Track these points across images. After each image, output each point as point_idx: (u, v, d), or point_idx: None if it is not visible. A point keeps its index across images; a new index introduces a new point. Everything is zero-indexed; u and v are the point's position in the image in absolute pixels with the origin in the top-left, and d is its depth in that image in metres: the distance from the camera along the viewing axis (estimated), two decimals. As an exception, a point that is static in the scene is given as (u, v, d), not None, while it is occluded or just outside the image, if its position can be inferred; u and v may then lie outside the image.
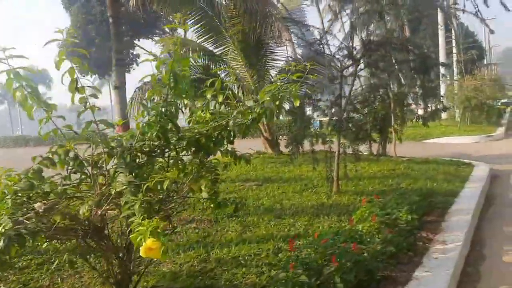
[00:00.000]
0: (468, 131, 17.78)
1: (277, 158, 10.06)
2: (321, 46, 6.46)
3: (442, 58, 22.59)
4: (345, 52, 6.17)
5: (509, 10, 10.05)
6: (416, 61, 7.55)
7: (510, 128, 20.66)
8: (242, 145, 3.48)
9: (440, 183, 7.37)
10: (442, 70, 23.24)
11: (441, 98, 10.14)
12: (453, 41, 23.30)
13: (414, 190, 6.75)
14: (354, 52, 6.14)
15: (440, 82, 24.80)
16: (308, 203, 6.06)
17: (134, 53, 27.77)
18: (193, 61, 10.38)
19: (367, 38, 6.15)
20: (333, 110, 6.18)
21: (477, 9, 9.94)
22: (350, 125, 5.96)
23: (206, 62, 11.04)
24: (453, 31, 23.27)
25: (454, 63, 23.49)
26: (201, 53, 10.99)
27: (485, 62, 42.12)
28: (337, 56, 6.51)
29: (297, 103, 3.27)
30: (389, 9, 6.76)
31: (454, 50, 23.39)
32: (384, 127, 11.32)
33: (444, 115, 23.26)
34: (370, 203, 5.11)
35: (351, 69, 6.86)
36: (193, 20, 10.82)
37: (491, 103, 20.36)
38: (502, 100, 33.90)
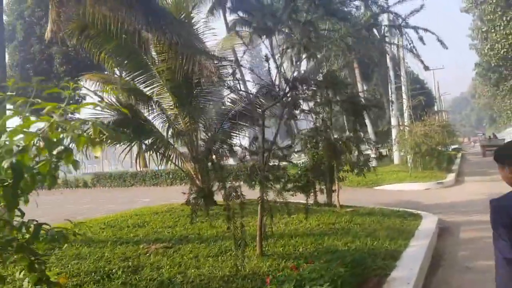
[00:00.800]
0: (419, 178, 17.37)
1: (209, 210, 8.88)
2: (235, 82, 5.59)
3: (392, 98, 22.71)
4: (265, 90, 5.33)
5: (447, 48, 9.77)
6: (345, 102, 6.83)
7: (461, 174, 20.54)
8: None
9: (382, 241, 6.42)
10: (393, 114, 23.39)
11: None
12: (403, 87, 23.60)
13: (351, 251, 5.77)
14: (277, 90, 5.28)
15: (391, 127, 24.90)
16: (220, 272, 4.89)
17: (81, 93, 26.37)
18: (115, 102, 9.28)
19: (292, 75, 5.35)
20: (247, 157, 5.21)
21: (412, 45, 9.59)
22: (269, 175, 4.94)
23: (135, 102, 9.98)
24: (402, 78, 23.63)
25: (405, 109, 23.69)
26: (131, 93, 9.96)
27: (435, 109, 43.52)
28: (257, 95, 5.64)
29: (98, 152, 2.27)
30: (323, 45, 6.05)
31: (404, 96, 23.65)
32: (328, 174, 10.53)
33: (396, 160, 23.05)
34: (283, 277, 4.02)
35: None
36: (119, 58, 9.86)
37: (441, 149, 20.29)
38: (453, 146, 34.65)
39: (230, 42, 10.39)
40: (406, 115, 23.80)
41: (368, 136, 25.82)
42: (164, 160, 9.33)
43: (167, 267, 4.97)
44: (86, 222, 7.05)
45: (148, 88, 10.02)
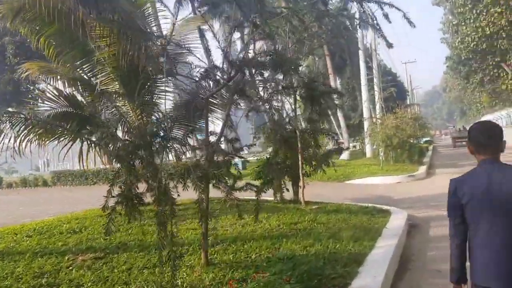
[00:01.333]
0: (391, 171, 16.97)
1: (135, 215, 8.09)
2: (192, 68, 4.83)
3: (364, 95, 22.32)
4: (207, 73, 4.57)
5: (414, 26, 9.24)
6: (301, 88, 6.12)
7: (432, 166, 20.32)
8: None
9: (346, 243, 5.78)
10: (365, 106, 23.00)
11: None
12: (374, 78, 23.21)
13: (309, 257, 5.10)
14: (220, 74, 4.53)
15: (363, 119, 24.55)
16: (153, 287, 4.13)
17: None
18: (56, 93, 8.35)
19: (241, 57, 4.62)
20: (188, 152, 4.46)
21: (375, 21, 9.00)
22: (215, 171, 4.20)
23: (81, 93, 9.03)
24: (373, 70, 23.23)
25: (376, 100, 23.31)
26: (75, 83, 9.00)
27: (408, 102, 43.66)
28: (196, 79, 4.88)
29: None
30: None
31: (376, 88, 23.26)
32: (293, 170, 9.88)
33: (368, 154, 22.69)
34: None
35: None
36: (61, 44, 8.88)
37: (412, 142, 19.99)
38: (425, 139, 34.75)
39: (186, 28, 9.54)
40: (378, 107, 23.45)
41: (341, 128, 25.48)
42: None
43: (89, 284, 4.17)
44: (10, 229, 6.15)
45: (95, 78, 9.08)
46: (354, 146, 32.92)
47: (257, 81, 4.94)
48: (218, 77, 4.63)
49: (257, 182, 9.84)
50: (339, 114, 24.21)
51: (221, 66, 4.90)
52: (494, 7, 30.83)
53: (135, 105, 8.77)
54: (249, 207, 8.76)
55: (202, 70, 4.69)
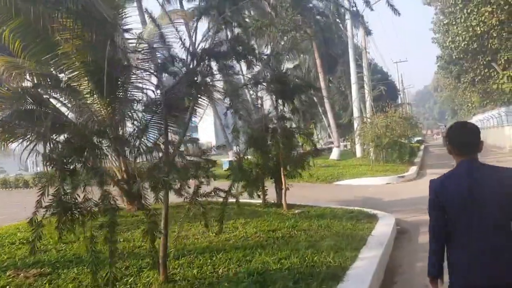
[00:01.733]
0: (381, 171, 16.48)
1: (130, 217, 7.47)
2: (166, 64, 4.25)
3: (354, 93, 21.81)
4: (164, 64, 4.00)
5: (399, 14, 8.69)
6: (274, 82, 5.55)
7: (423, 167, 19.87)
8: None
9: (326, 254, 5.21)
10: (354, 105, 22.51)
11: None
12: (364, 77, 22.70)
13: (283, 272, 4.53)
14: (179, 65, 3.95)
15: (353, 119, 24.07)
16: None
17: None
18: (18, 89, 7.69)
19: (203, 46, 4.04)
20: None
21: (355, 7, 8.43)
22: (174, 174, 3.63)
23: (46, 90, 8.38)
24: (363, 68, 22.71)
25: (366, 97, 22.74)
26: (42, 79, 8.36)
27: (399, 102, 43.32)
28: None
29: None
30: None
31: (366, 87, 22.75)
32: (276, 171, 9.32)
33: (358, 153, 22.20)
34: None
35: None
36: (26, 38, 8.23)
37: (403, 141, 19.52)
38: (416, 138, 34.39)
39: (166, 21, 8.93)
40: (368, 105, 22.96)
41: (330, 128, 24.95)
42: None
43: (22, 308, 3.56)
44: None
45: (64, 74, 8.45)
46: (345, 146, 32.48)
47: (219, 74, 4.37)
48: (177, 69, 4.06)
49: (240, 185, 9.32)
50: (329, 114, 23.69)
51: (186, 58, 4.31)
52: (485, 6, 30.53)
53: (106, 103, 8.17)
54: (230, 212, 8.23)
55: (159, 62, 4.11)
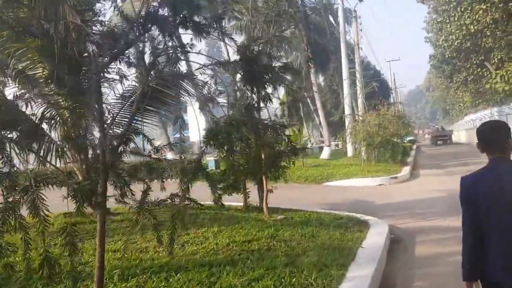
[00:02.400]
0: (372, 172, 15.65)
1: (89, 223, 6.51)
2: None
3: (345, 90, 20.96)
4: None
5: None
6: (240, 63, 4.62)
7: (416, 167, 19.10)
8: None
9: (307, 273, 4.33)
10: (346, 103, 21.66)
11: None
12: (357, 73, 21.85)
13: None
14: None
15: (344, 116, 23.26)
16: None
17: None
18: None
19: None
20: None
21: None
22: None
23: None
24: (355, 63, 21.85)
25: (358, 94, 21.88)
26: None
27: (391, 101, 42.63)
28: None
29: None
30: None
31: (358, 84, 21.90)
32: (258, 172, 8.42)
33: (350, 153, 21.39)
34: None
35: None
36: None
37: (396, 141, 18.74)
38: (408, 138, 33.70)
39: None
40: (360, 102, 22.14)
41: (321, 126, 24.11)
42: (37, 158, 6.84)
43: None
44: None
45: (17, 61, 7.43)
46: (337, 145, 31.68)
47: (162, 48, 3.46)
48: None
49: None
50: (320, 112, 22.79)
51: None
52: (479, 4, 29.88)
53: (65, 93, 7.20)
54: (205, 217, 7.33)
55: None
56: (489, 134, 2.38)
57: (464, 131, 52.29)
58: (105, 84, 6.35)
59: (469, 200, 2.33)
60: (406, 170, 16.57)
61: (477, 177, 2.37)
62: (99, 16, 6.28)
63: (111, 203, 4.05)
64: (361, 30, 22.19)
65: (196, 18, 3.53)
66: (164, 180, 4.30)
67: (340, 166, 17.52)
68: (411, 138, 36.65)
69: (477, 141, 2.45)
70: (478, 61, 35.39)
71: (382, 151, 17.75)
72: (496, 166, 2.31)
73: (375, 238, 6.11)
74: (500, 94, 34.14)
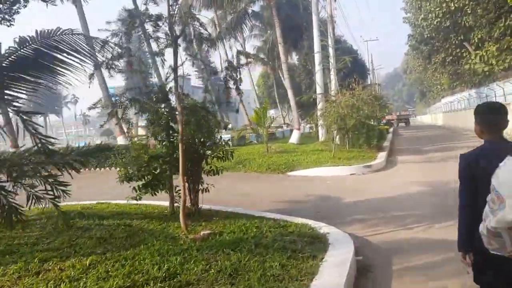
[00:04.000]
0: (344, 159, 13.63)
1: None
2: None
3: (317, 66, 18.74)
4: None
5: None
6: None
7: (393, 153, 17.24)
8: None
9: None
10: (318, 81, 19.44)
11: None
12: (330, 49, 19.57)
13: None
14: None
15: (316, 96, 21.17)
16: None
17: None
18: None
19: None
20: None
21: None
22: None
23: None
24: (328, 36, 19.56)
25: (331, 74, 19.69)
26: None
27: (368, 83, 40.84)
28: None
29: None
30: None
31: (331, 61, 19.64)
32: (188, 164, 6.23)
33: (321, 137, 19.35)
34: None
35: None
36: None
37: (371, 124, 16.76)
38: (384, 121, 31.98)
39: None
40: (332, 81, 20.00)
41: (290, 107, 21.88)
42: None
43: None
44: None
45: None
46: (311, 128, 29.70)
47: None
48: None
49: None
50: (289, 91, 20.59)
51: None
52: (460, -19, 28.16)
53: None
54: (98, 233, 5.11)
55: None
56: (492, 115, 2.37)
57: (441, 113, 51.26)
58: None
59: (472, 177, 2.30)
60: (382, 156, 14.62)
61: (478, 156, 2.32)
62: None
63: None
64: (335, 0, 19.88)
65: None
66: None
67: (309, 153, 15.47)
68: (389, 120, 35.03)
69: (476, 123, 2.41)
70: (457, 41, 33.87)
71: (356, 135, 15.78)
72: (497, 147, 2.25)
73: (333, 271, 4.01)
74: (479, 75, 32.67)
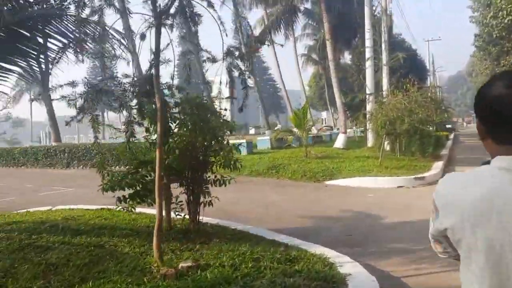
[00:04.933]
0: (392, 168, 11.85)
1: None
2: None
3: (368, 60, 16.85)
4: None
5: None
6: None
7: (451, 162, 15.07)
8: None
9: None
10: (368, 79, 17.56)
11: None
12: (383, 44, 17.57)
13: None
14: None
15: (362, 97, 19.34)
16: None
17: None
18: None
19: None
20: None
21: None
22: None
23: None
24: (382, 31, 17.60)
25: (384, 64, 17.62)
26: None
27: (428, 85, 37.76)
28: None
29: None
30: None
31: (384, 57, 17.66)
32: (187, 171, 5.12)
33: (370, 142, 17.50)
34: None
35: None
36: None
37: (426, 129, 14.70)
38: (447, 126, 29.13)
39: None
40: (384, 81, 18.03)
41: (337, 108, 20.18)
42: None
43: None
44: None
45: None
46: (362, 132, 27.61)
47: None
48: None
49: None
50: (335, 90, 18.94)
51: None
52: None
53: None
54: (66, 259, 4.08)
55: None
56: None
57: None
58: None
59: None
60: (437, 167, 12.64)
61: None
62: None
63: None
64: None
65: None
66: None
67: (352, 159, 13.81)
68: (449, 126, 32.01)
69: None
70: (531, 42, 30.35)
71: (408, 141, 13.88)
72: None
73: None
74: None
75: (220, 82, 4.77)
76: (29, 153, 19.32)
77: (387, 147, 14.43)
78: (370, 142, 17.34)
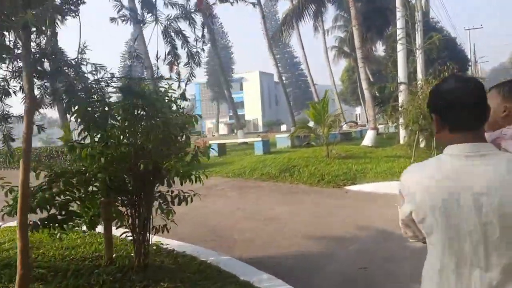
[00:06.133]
0: (427, 170, 9.94)
1: None
2: None
3: (399, 41, 14.78)
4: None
5: None
6: None
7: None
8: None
9: None
10: (400, 67, 15.46)
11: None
12: (417, 25, 15.36)
13: None
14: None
15: (393, 87, 17.31)
16: None
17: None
18: None
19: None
20: None
21: None
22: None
23: None
24: (416, 13, 15.40)
25: (417, 55, 15.40)
26: None
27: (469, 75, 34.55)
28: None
29: None
30: None
31: (418, 42, 15.49)
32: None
33: (402, 139, 15.41)
34: None
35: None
36: None
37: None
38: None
39: None
40: (418, 68, 15.84)
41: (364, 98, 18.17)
42: None
43: None
44: None
45: None
46: (395, 128, 25.26)
47: None
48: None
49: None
50: (363, 82, 16.98)
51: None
52: None
53: None
54: None
55: None
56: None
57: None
58: None
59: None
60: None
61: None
62: None
63: None
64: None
65: None
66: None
67: (381, 159, 11.92)
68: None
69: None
70: None
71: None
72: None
73: None
74: None
75: (157, 55, 3.28)
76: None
77: (421, 144, 12.41)
78: (401, 139, 15.27)
